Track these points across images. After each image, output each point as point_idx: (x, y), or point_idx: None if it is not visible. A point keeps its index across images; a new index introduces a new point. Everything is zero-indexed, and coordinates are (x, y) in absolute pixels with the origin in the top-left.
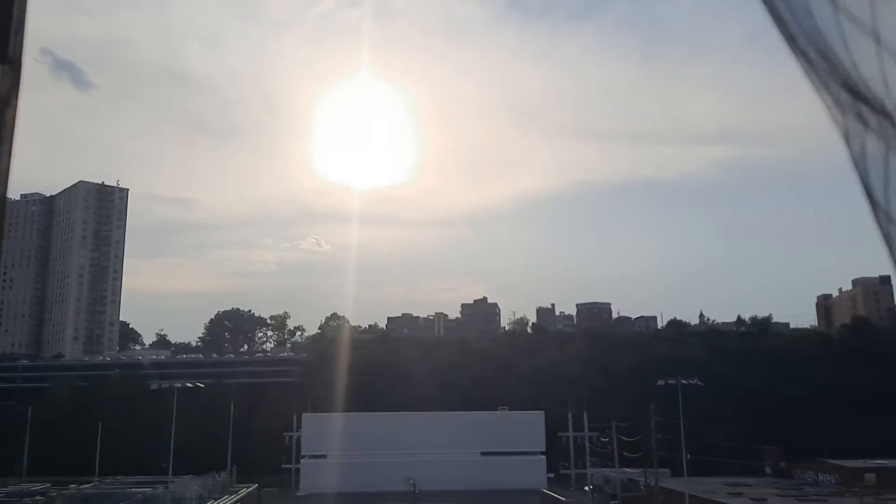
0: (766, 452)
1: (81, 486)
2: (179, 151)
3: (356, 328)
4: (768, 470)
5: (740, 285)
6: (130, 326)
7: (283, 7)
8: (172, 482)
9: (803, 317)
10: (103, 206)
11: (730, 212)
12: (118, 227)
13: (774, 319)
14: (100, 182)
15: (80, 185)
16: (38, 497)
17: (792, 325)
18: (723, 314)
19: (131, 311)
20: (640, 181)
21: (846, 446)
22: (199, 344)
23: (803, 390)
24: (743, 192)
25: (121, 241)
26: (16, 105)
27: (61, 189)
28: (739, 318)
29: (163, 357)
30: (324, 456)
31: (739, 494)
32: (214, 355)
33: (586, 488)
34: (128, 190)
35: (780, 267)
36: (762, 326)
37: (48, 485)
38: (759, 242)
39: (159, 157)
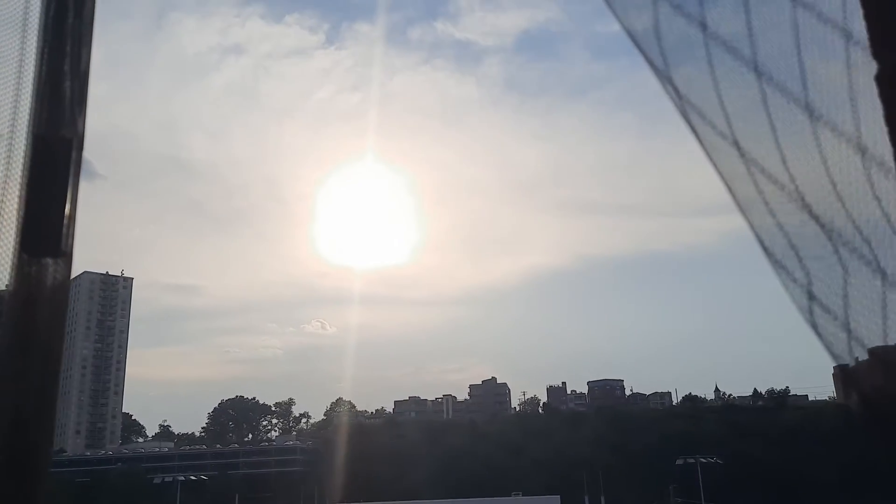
0: None
1: None
2: (183, 239)
3: (362, 413)
4: None
5: (755, 357)
6: (133, 418)
7: (285, 95)
8: None
9: (822, 388)
10: (108, 296)
11: (739, 282)
12: (122, 317)
13: (792, 392)
14: (104, 272)
15: (85, 276)
16: None
17: (811, 397)
18: (739, 387)
19: (134, 401)
20: (644, 255)
21: None
22: (203, 434)
23: (826, 467)
24: (750, 261)
25: (124, 331)
26: (66, 298)
27: None
28: (756, 390)
29: (165, 449)
30: None
31: None
32: (218, 446)
33: None
34: (132, 279)
35: (794, 336)
36: (780, 400)
37: None
38: (772, 311)
39: (163, 245)
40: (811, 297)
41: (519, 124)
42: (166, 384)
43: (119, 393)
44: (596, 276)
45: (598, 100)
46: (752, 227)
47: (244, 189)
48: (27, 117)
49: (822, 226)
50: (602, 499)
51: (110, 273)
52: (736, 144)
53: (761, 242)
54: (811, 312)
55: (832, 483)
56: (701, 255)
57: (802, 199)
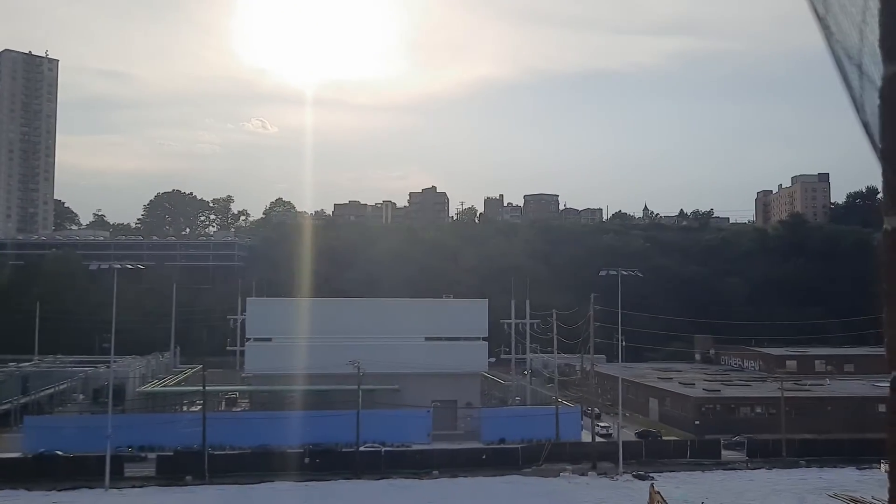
0: (697, 340)
1: (21, 364)
2: (113, 21)
3: (302, 214)
4: (698, 356)
5: (686, 179)
6: (66, 205)
7: None
8: (115, 361)
9: (743, 212)
10: (32, 78)
11: (681, 105)
12: (49, 101)
13: (715, 214)
14: (27, 51)
15: (6, 55)
16: None
17: (732, 220)
18: (667, 207)
19: (66, 189)
20: (592, 72)
21: (774, 335)
22: (139, 226)
23: (737, 282)
24: (695, 85)
25: (52, 116)
26: None
27: None
28: (682, 211)
29: (101, 238)
30: (269, 339)
31: (669, 378)
32: (155, 237)
33: (525, 372)
34: (58, 61)
35: (725, 162)
36: (703, 221)
37: None
38: (708, 137)
39: (91, 26)
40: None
41: None
42: (99, 174)
43: (49, 179)
44: (544, 91)
45: None
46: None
47: None
48: None
49: None
50: (527, 303)
51: (34, 53)
52: None
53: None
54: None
55: (740, 296)
56: (647, 76)
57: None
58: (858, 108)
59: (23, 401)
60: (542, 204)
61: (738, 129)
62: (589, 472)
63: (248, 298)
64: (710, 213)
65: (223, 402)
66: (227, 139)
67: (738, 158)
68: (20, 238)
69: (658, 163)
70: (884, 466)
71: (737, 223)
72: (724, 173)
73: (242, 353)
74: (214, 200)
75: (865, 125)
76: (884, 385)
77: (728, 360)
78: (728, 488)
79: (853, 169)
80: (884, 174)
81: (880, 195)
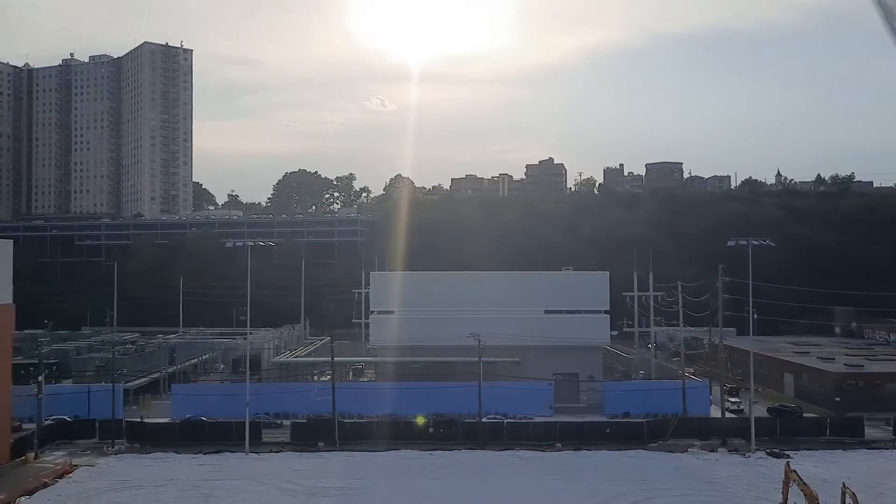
0: (837, 313)
1: (168, 336)
2: (240, 10)
3: (420, 189)
4: (838, 330)
5: (822, 142)
6: (203, 187)
7: None
8: (251, 333)
9: (888, 175)
10: (169, 68)
11: (816, 63)
12: (185, 89)
13: (857, 178)
14: (164, 43)
15: (146, 47)
16: (129, 345)
17: (876, 184)
18: (802, 173)
19: (203, 171)
20: (717, 31)
21: None
22: (269, 204)
23: (883, 251)
24: (833, 42)
25: (188, 103)
26: None
27: (127, 51)
28: (819, 176)
29: (236, 217)
30: (391, 312)
31: (806, 353)
32: (284, 215)
33: (650, 345)
34: (192, 51)
35: (868, 122)
36: (843, 185)
37: (137, 334)
38: (845, 95)
39: (220, 16)
40: None
41: None
42: (232, 156)
43: (188, 163)
44: (665, 56)
45: None
46: None
47: None
48: None
49: None
50: (650, 275)
51: (170, 44)
52: None
53: None
54: None
55: (886, 266)
56: (778, 34)
57: None
58: None
59: (170, 370)
60: (665, 172)
61: (884, 87)
62: (718, 449)
63: (370, 272)
64: (851, 177)
65: (350, 373)
66: (349, 119)
67: (883, 118)
68: (164, 218)
69: (791, 126)
70: None
71: (882, 187)
72: (866, 135)
73: (367, 325)
74: (338, 178)
75: None
76: None
77: (872, 333)
78: (872, 468)
79: None
80: None
81: None
